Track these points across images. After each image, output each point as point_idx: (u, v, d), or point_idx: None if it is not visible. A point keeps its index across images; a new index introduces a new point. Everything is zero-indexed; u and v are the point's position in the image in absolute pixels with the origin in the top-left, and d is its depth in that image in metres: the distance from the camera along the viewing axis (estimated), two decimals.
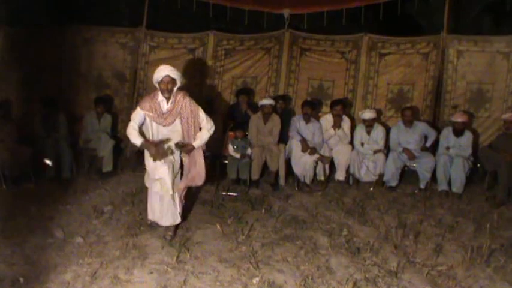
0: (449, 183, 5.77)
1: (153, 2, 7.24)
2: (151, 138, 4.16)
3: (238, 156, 5.82)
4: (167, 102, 4.11)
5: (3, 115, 5.89)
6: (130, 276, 3.39)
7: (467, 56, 6.68)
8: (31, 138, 5.98)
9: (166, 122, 4.10)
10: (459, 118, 5.95)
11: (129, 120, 6.98)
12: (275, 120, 6.08)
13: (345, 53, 7.09)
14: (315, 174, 6.10)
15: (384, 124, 6.57)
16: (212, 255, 3.79)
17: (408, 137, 6.09)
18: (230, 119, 6.59)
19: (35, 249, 3.77)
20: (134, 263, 3.58)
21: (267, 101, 6.08)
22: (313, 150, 5.93)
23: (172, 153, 4.13)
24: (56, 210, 4.70)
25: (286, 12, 7.02)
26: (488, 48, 6.60)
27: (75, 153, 6.08)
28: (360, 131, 6.26)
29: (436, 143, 6.15)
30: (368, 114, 6.16)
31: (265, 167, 5.99)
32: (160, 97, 4.10)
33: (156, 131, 4.15)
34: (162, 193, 4.05)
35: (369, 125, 6.18)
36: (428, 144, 6.16)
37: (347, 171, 6.15)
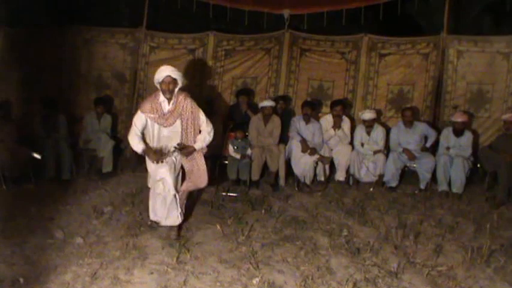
0: (449, 184, 5.77)
1: (153, 2, 7.24)
2: (151, 139, 4.16)
3: (238, 156, 5.82)
4: (168, 102, 4.11)
5: (3, 115, 5.89)
6: (130, 277, 3.38)
7: (467, 57, 6.68)
8: (31, 138, 5.98)
9: (167, 123, 4.10)
10: (459, 118, 5.95)
11: (129, 120, 7.09)
12: (275, 122, 6.08)
13: (345, 54, 7.09)
14: (315, 175, 6.11)
15: (384, 124, 6.57)
16: (212, 255, 3.79)
17: (408, 137, 6.09)
18: (230, 119, 6.59)
19: (35, 250, 3.77)
20: (134, 264, 3.58)
21: (268, 103, 6.08)
22: (313, 151, 5.93)
23: (172, 154, 4.13)
24: (56, 210, 4.70)
25: (286, 13, 7.02)
26: (488, 49, 6.61)
27: (75, 153, 6.08)
28: (360, 131, 6.26)
29: (436, 143, 6.15)
30: (368, 115, 6.16)
31: (265, 167, 5.99)
32: (162, 98, 4.10)
33: (158, 132, 4.15)
34: (164, 194, 4.05)
35: (369, 125, 6.18)
36: (428, 144, 6.16)
37: (347, 171, 6.15)
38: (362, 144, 6.19)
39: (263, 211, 4.91)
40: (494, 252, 3.98)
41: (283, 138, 6.16)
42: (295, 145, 6.00)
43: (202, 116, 4.20)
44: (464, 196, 5.65)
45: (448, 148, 5.97)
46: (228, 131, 6.17)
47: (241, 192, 5.58)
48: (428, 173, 5.86)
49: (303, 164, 5.92)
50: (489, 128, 6.60)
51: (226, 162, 5.92)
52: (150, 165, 4.12)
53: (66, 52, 7.05)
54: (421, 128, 6.17)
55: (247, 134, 6.09)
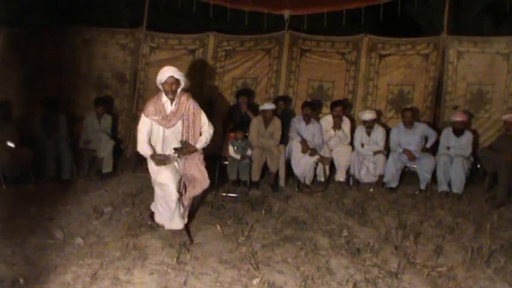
0: (449, 184, 5.77)
1: (153, 2, 7.24)
2: (157, 140, 4.15)
3: (238, 157, 5.82)
4: (171, 103, 4.10)
5: (3, 116, 5.88)
6: (130, 277, 3.38)
7: (467, 57, 6.68)
8: (31, 138, 5.98)
9: (170, 124, 4.09)
10: (458, 117, 5.96)
11: (129, 121, 7.11)
12: (276, 124, 6.08)
13: (345, 54, 7.09)
14: (315, 175, 6.11)
15: (384, 125, 6.58)
16: (212, 256, 3.79)
17: (408, 138, 6.09)
18: (230, 120, 6.59)
19: (35, 250, 3.77)
20: (134, 264, 3.58)
21: (268, 106, 6.07)
22: (313, 151, 5.93)
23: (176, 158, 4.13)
24: (56, 210, 4.70)
25: (286, 13, 7.02)
26: (488, 49, 6.61)
27: (75, 153, 6.08)
28: (360, 132, 6.26)
29: (436, 144, 6.15)
30: (368, 115, 6.16)
31: (265, 168, 5.99)
32: (164, 98, 4.09)
33: (162, 134, 4.13)
34: (167, 198, 4.05)
35: (369, 126, 6.18)
36: (428, 145, 6.16)
37: (347, 172, 6.15)
38: (362, 145, 6.19)
39: (263, 212, 4.91)
40: (494, 252, 3.98)
41: (283, 139, 6.16)
42: (295, 146, 6.00)
43: (204, 118, 4.20)
44: (464, 196, 5.65)
45: (448, 148, 5.97)
46: (228, 131, 6.17)
47: (241, 192, 5.58)
48: (429, 174, 5.86)
49: (303, 165, 5.93)
50: (489, 128, 6.60)
51: (226, 162, 5.91)
52: (153, 168, 4.12)
53: (66, 52, 7.05)
54: (421, 128, 6.17)
55: (247, 134, 6.09)
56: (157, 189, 4.17)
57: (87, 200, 5.16)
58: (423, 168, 5.90)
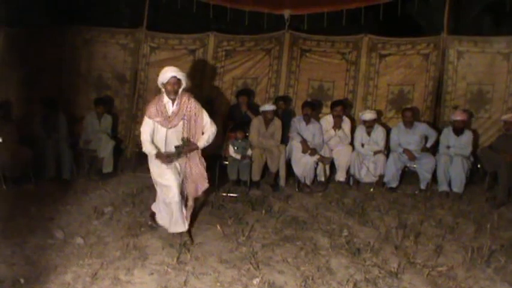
0: (449, 184, 5.77)
1: (153, 2, 7.23)
2: (160, 141, 4.13)
3: (238, 157, 5.82)
4: (173, 104, 4.09)
5: (3, 115, 5.89)
6: (130, 277, 3.39)
7: (468, 57, 6.68)
8: (31, 138, 5.98)
9: (172, 124, 4.08)
10: (458, 116, 5.96)
11: (129, 121, 7.10)
12: (277, 125, 6.08)
13: (345, 54, 7.09)
14: (315, 175, 6.11)
15: (384, 125, 6.57)
16: (212, 256, 3.79)
17: (408, 137, 6.09)
18: (230, 119, 6.59)
19: (35, 250, 3.77)
20: (135, 264, 3.58)
21: (269, 107, 6.07)
22: (313, 151, 5.93)
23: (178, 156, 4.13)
24: (56, 210, 4.71)
25: (286, 13, 7.02)
26: (489, 49, 6.60)
27: (75, 154, 6.09)
28: (360, 131, 6.26)
29: (437, 143, 6.15)
30: (368, 115, 6.16)
31: (265, 168, 5.99)
32: (166, 99, 4.08)
33: (164, 134, 4.12)
34: (169, 200, 4.05)
35: (369, 125, 6.18)
36: (428, 145, 6.16)
37: (347, 172, 6.15)
38: (362, 145, 6.20)
39: (263, 211, 4.91)
40: (494, 252, 3.98)
41: (284, 139, 6.16)
42: (295, 146, 5.99)
43: (205, 117, 4.18)
44: (464, 196, 5.65)
45: (448, 147, 5.98)
46: (228, 131, 6.17)
47: (241, 192, 5.58)
48: (429, 173, 5.86)
49: (303, 165, 5.93)
50: (489, 128, 6.60)
51: (227, 162, 5.91)
52: (154, 169, 4.12)
53: (66, 52, 7.05)
54: (421, 128, 6.17)
55: (247, 134, 6.08)
56: (159, 191, 4.17)
57: (88, 200, 5.16)
58: (423, 168, 5.90)
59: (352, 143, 6.27)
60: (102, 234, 4.19)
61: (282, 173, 5.94)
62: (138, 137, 6.78)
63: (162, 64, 6.66)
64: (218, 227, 4.35)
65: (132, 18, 8.23)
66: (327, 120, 6.35)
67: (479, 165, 6.14)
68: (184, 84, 4.09)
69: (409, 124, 6.11)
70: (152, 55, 7.17)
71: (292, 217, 4.79)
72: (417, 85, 6.86)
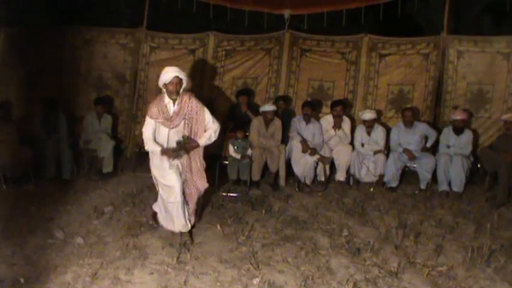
0: (449, 184, 5.77)
1: (153, 2, 7.23)
2: (162, 141, 4.13)
3: (238, 157, 5.82)
4: (174, 104, 4.09)
5: (3, 115, 5.88)
6: (130, 277, 3.39)
7: (468, 57, 6.68)
8: (31, 138, 5.98)
9: (174, 124, 4.07)
10: (458, 116, 5.97)
11: (129, 121, 7.10)
12: (277, 125, 6.07)
13: (345, 54, 7.09)
14: (315, 175, 6.11)
15: (384, 125, 6.57)
16: (212, 255, 3.80)
17: (408, 137, 6.09)
18: (230, 119, 6.59)
19: (35, 250, 3.77)
20: (134, 264, 3.59)
21: (269, 107, 6.06)
22: (313, 151, 5.92)
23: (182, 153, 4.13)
24: (56, 210, 4.71)
25: (286, 13, 7.02)
26: (489, 49, 6.61)
27: (75, 153, 6.09)
28: (360, 131, 6.26)
29: (437, 143, 6.15)
30: (368, 115, 6.16)
31: (265, 167, 5.99)
32: (167, 99, 4.08)
33: (167, 134, 4.11)
34: (171, 200, 4.05)
35: (369, 125, 6.18)
36: (428, 144, 6.16)
37: (347, 171, 6.15)
38: (362, 145, 6.19)
39: (263, 211, 4.91)
40: (494, 252, 3.98)
41: (284, 139, 6.16)
42: (295, 145, 5.99)
43: (207, 115, 4.17)
44: (464, 196, 5.65)
45: (448, 146, 5.98)
46: (228, 131, 6.16)
47: (241, 192, 5.59)
48: (429, 173, 5.86)
49: (303, 164, 5.93)
50: (489, 128, 6.60)
51: (227, 162, 5.91)
52: (156, 170, 4.11)
53: (66, 52, 7.05)
54: (421, 128, 6.17)
55: (247, 134, 6.08)
56: (161, 192, 4.16)
57: (88, 199, 5.17)
58: (423, 167, 5.90)
59: (352, 143, 6.27)
60: (102, 234, 4.19)
61: (282, 173, 5.94)
62: (138, 137, 6.87)
63: (162, 64, 6.66)
64: (218, 226, 4.35)
65: (132, 18, 8.22)
66: (327, 120, 6.35)
67: (479, 165, 6.14)
68: (185, 84, 4.09)
69: (409, 124, 6.11)
70: (152, 55, 7.17)
71: (292, 217, 4.79)
72: (417, 85, 6.86)
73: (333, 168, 6.25)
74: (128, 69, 7.20)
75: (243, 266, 3.62)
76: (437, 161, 5.84)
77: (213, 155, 5.66)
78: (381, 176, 6.02)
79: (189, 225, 4.14)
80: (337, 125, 6.26)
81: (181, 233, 4.09)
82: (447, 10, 6.68)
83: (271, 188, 5.84)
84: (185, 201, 4.13)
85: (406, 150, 5.97)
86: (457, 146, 5.94)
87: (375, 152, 6.07)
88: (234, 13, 7.10)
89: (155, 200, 4.37)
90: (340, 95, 7.00)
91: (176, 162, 4.09)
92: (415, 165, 6.02)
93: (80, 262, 3.57)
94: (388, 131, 6.34)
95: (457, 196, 5.62)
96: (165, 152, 4.05)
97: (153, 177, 4.22)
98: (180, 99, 4.08)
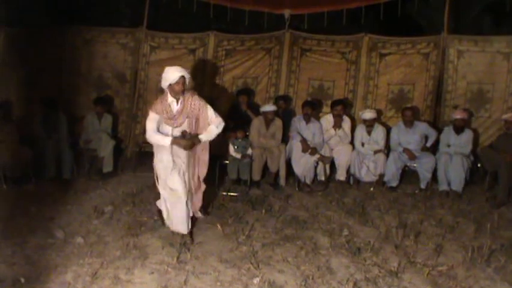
0: (449, 184, 5.77)
1: (153, 2, 7.23)
2: None
3: (238, 156, 5.82)
4: (177, 103, 4.09)
5: (3, 116, 5.88)
6: (130, 276, 3.39)
7: (468, 56, 6.68)
8: (31, 138, 5.98)
9: (177, 123, 4.07)
10: (458, 115, 5.97)
11: (129, 120, 7.10)
12: (277, 125, 6.07)
13: (346, 53, 7.09)
14: (315, 175, 6.11)
15: (384, 124, 6.57)
16: (212, 255, 3.79)
17: (408, 137, 6.09)
18: (230, 119, 6.57)
19: (35, 250, 3.77)
20: (135, 263, 3.58)
21: (269, 108, 6.06)
22: (313, 151, 5.92)
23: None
24: (56, 210, 4.71)
25: (286, 13, 7.02)
26: (489, 49, 6.61)
27: (75, 153, 6.09)
28: (361, 131, 6.26)
29: (437, 143, 6.15)
30: (368, 115, 6.16)
31: (266, 167, 5.99)
32: (170, 99, 4.07)
33: (170, 133, 4.11)
34: (174, 200, 4.05)
35: (369, 125, 6.18)
36: (428, 144, 6.15)
37: (347, 171, 6.15)
38: (362, 144, 6.20)
39: (263, 211, 4.91)
40: (494, 252, 3.98)
41: (284, 138, 6.16)
42: (295, 145, 5.99)
43: (210, 111, 4.18)
44: (464, 196, 5.64)
45: (448, 146, 5.98)
46: (228, 131, 6.15)
47: (241, 192, 5.58)
48: (429, 173, 5.86)
49: (304, 164, 5.92)
50: (489, 127, 6.60)
51: (227, 162, 5.91)
52: (161, 172, 4.09)
53: (66, 52, 7.05)
54: (422, 127, 6.17)
55: (247, 133, 6.08)
56: (164, 193, 4.15)
57: (88, 199, 5.17)
58: (423, 167, 5.90)
59: (352, 142, 6.27)
60: (102, 233, 4.19)
61: (282, 173, 5.94)
62: (138, 136, 6.86)
63: (162, 63, 6.66)
64: (218, 226, 4.35)
65: (133, 18, 8.23)
66: (327, 119, 6.35)
67: (479, 165, 6.14)
68: (187, 83, 4.09)
69: (409, 123, 6.10)
70: (152, 54, 7.17)
71: (292, 216, 4.79)
72: (417, 84, 6.86)
73: (333, 167, 6.25)
74: (128, 69, 7.20)
75: (243, 266, 3.62)
76: (437, 160, 5.84)
77: (213, 155, 5.65)
78: (381, 176, 6.02)
79: (189, 226, 4.13)
80: (337, 125, 6.26)
81: (190, 231, 4.10)
82: (447, 10, 6.69)
83: (272, 188, 5.84)
84: (189, 201, 4.12)
85: (406, 150, 5.97)
86: (457, 145, 5.94)
87: (375, 152, 6.07)
88: (234, 13, 7.10)
89: (155, 198, 4.37)
90: (340, 95, 7.00)
91: (180, 162, 4.08)
92: (415, 165, 6.02)
93: (80, 262, 3.57)
94: (388, 130, 6.33)
95: (457, 195, 5.61)
96: (177, 141, 4.02)
97: (155, 175, 4.19)
98: (183, 97, 4.08)
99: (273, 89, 7.18)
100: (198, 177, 4.37)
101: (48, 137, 5.94)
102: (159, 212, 4.39)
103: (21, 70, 6.77)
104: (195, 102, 4.11)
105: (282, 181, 5.95)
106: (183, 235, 4.07)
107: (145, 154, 6.25)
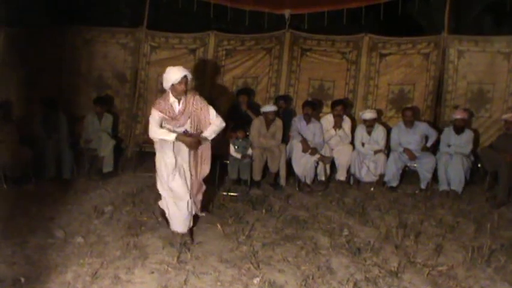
0: (449, 184, 5.77)
1: (153, 2, 7.23)
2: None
3: (239, 156, 5.82)
4: (179, 103, 4.08)
5: (3, 116, 5.88)
6: (131, 276, 3.39)
7: (468, 56, 6.67)
8: (31, 138, 5.98)
9: (180, 124, 4.07)
10: (459, 115, 5.97)
11: (130, 120, 7.10)
12: (278, 125, 6.06)
13: (346, 54, 7.09)
14: (315, 175, 6.10)
15: (384, 124, 6.56)
16: (213, 255, 3.79)
17: (409, 137, 6.09)
18: (230, 119, 6.57)
19: (35, 250, 3.77)
20: (135, 263, 3.58)
21: (270, 108, 6.05)
22: (314, 151, 5.92)
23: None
24: (56, 210, 4.71)
25: (287, 13, 7.02)
26: (489, 49, 6.61)
27: (75, 153, 6.09)
28: (361, 131, 6.26)
29: (437, 143, 6.15)
30: (369, 115, 6.16)
31: (266, 167, 5.98)
32: (172, 99, 4.06)
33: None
34: (174, 200, 4.05)
35: (369, 125, 6.18)
36: (428, 144, 6.15)
37: (348, 171, 6.15)
38: (363, 144, 6.19)
39: (264, 211, 4.91)
40: (494, 252, 3.98)
41: (284, 138, 6.16)
42: (296, 145, 5.99)
43: (211, 111, 4.17)
44: (464, 196, 5.64)
45: (449, 145, 5.98)
46: (228, 131, 6.15)
47: (242, 191, 5.59)
48: (429, 173, 5.86)
49: (304, 164, 5.92)
50: (490, 127, 6.60)
51: (227, 162, 5.91)
52: (162, 170, 4.08)
53: (66, 52, 7.05)
54: (422, 127, 6.17)
55: (247, 133, 6.08)
56: (164, 192, 4.15)
57: (88, 199, 5.17)
58: (424, 167, 5.90)
59: (352, 143, 6.27)
60: (103, 233, 4.19)
61: (283, 173, 5.94)
62: (138, 136, 6.87)
63: (162, 63, 6.69)
64: (218, 226, 4.35)
65: (133, 18, 8.24)
66: (328, 119, 6.35)
67: (479, 165, 6.14)
68: (189, 83, 4.09)
69: (409, 123, 6.10)
70: (153, 54, 7.17)
71: (292, 216, 4.79)
72: (417, 84, 6.86)
73: (333, 167, 6.25)
74: (128, 69, 7.20)
75: (243, 266, 3.61)
76: (437, 160, 5.84)
77: (213, 155, 5.65)
78: (381, 176, 6.01)
79: (191, 224, 4.13)
80: (337, 125, 6.26)
81: (190, 230, 4.10)
82: (448, 10, 6.69)
83: (272, 188, 5.84)
84: (191, 200, 4.11)
85: (406, 150, 5.97)
86: (457, 145, 5.94)
87: (375, 152, 6.06)
88: (234, 13, 7.11)
89: (156, 198, 4.37)
90: (340, 95, 7.00)
91: (182, 161, 4.08)
92: (415, 165, 6.02)
93: (80, 262, 3.57)
94: (388, 130, 6.33)
95: (456, 195, 5.61)
96: (182, 138, 4.00)
97: (158, 174, 4.16)
98: (185, 98, 4.08)
99: (273, 89, 7.18)
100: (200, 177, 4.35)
101: (48, 137, 5.94)
102: (163, 213, 4.37)
103: (21, 70, 6.78)
104: (196, 102, 4.11)
105: (282, 181, 5.95)
106: (183, 235, 4.06)
107: (146, 154, 6.26)
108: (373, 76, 6.99)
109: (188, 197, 4.05)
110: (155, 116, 4.06)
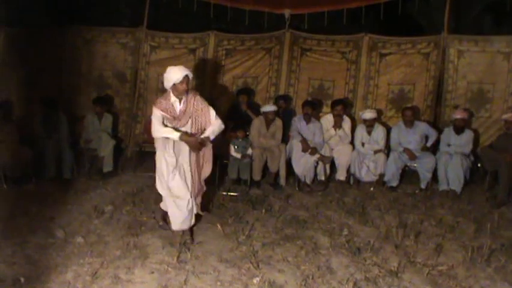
0: (449, 183, 5.77)
1: (153, 2, 7.23)
2: (167, 140, 4.11)
3: (239, 156, 5.82)
4: (180, 102, 4.08)
5: (3, 116, 5.87)
6: (131, 276, 3.39)
7: (468, 56, 6.68)
8: (31, 138, 5.98)
9: (181, 124, 4.06)
10: (459, 115, 5.98)
11: (130, 120, 7.10)
12: (278, 125, 6.06)
13: (346, 53, 7.09)
14: (315, 174, 6.10)
15: (384, 124, 6.56)
16: (213, 255, 3.80)
17: (409, 137, 6.09)
18: (230, 119, 6.57)
19: (35, 249, 3.77)
20: (135, 263, 3.59)
21: (270, 108, 6.05)
22: (313, 150, 5.92)
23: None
24: (56, 210, 4.71)
25: (286, 13, 7.02)
26: (489, 48, 6.61)
27: (76, 153, 6.09)
28: (361, 131, 6.26)
29: (437, 143, 6.15)
30: (369, 114, 6.16)
31: (266, 167, 5.98)
32: (173, 98, 4.05)
33: None
34: (173, 200, 4.04)
35: (369, 125, 6.18)
36: (428, 144, 6.15)
37: (348, 171, 6.15)
38: (363, 144, 6.19)
39: (264, 210, 4.91)
40: (494, 251, 3.98)
41: (284, 138, 6.16)
42: (295, 145, 5.99)
43: (212, 112, 4.17)
44: (464, 196, 5.64)
45: (449, 145, 5.98)
46: (228, 131, 6.15)
47: (241, 191, 5.59)
48: (429, 173, 5.86)
49: (304, 164, 5.92)
50: (490, 127, 6.60)
51: (227, 162, 5.91)
52: (163, 170, 4.07)
53: (66, 52, 7.05)
54: (422, 127, 6.17)
55: (247, 133, 6.08)
56: (163, 192, 4.15)
57: (88, 199, 5.17)
58: (424, 167, 5.90)
59: (352, 142, 6.27)
60: (103, 233, 4.19)
61: (282, 172, 5.94)
62: (138, 136, 6.87)
63: (162, 63, 6.70)
64: (218, 226, 4.35)
65: (133, 18, 8.24)
66: (327, 119, 6.35)
67: (479, 165, 6.14)
68: (190, 82, 4.09)
69: (409, 123, 6.10)
70: (153, 54, 7.18)
71: (292, 216, 4.79)
72: (417, 84, 6.86)
73: (333, 167, 6.25)
74: (128, 69, 7.21)
75: (243, 266, 3.62)
76: (437, 160, 5.84)
77: (214, 155, 5.65)
78: (381, 176, 6.01)
79: (192, 222, 4.12)
80: (337, 125, 6.26)
81: (182, 232, 4.09)
82: (448, 10, 6.69)
83: (272, 188, 5.84)
84: (192, 199, 4.11)
85: (406, 150, 5.97)
86: (457, 145, 5.94)
87: (375, 152, 6.06)
88: (234, 12, 7.10)
89: (156, 198, 4.36)
90: (340, 95, 7.00)
91: (182, 161, 4.08)
92: (415, 165, 6.02)
93: (81, 261, 3.58)
94: (388, 130, 6.33)
95: (455, 195, 5.61)
96: (185, 137, 3.98)
97: (157, 173, 4.16)
98: (186, 97, 4.07)
99: (273, 89, 7.18)
100: (201, 178, 4.33)
101: (48, 137, 5.94)
102: (164, 216, 4.34)
103: (21, 70, 6.77)
104: (197, 103, 4.10)
105: (282, 181, 5.95)
106: (183, 234, 4.06)
107: (146, 154, 6.26)
108: (373, 76, 6.99)
109: (188, 196, 4.05)
110: (157, 114, 4.05)
